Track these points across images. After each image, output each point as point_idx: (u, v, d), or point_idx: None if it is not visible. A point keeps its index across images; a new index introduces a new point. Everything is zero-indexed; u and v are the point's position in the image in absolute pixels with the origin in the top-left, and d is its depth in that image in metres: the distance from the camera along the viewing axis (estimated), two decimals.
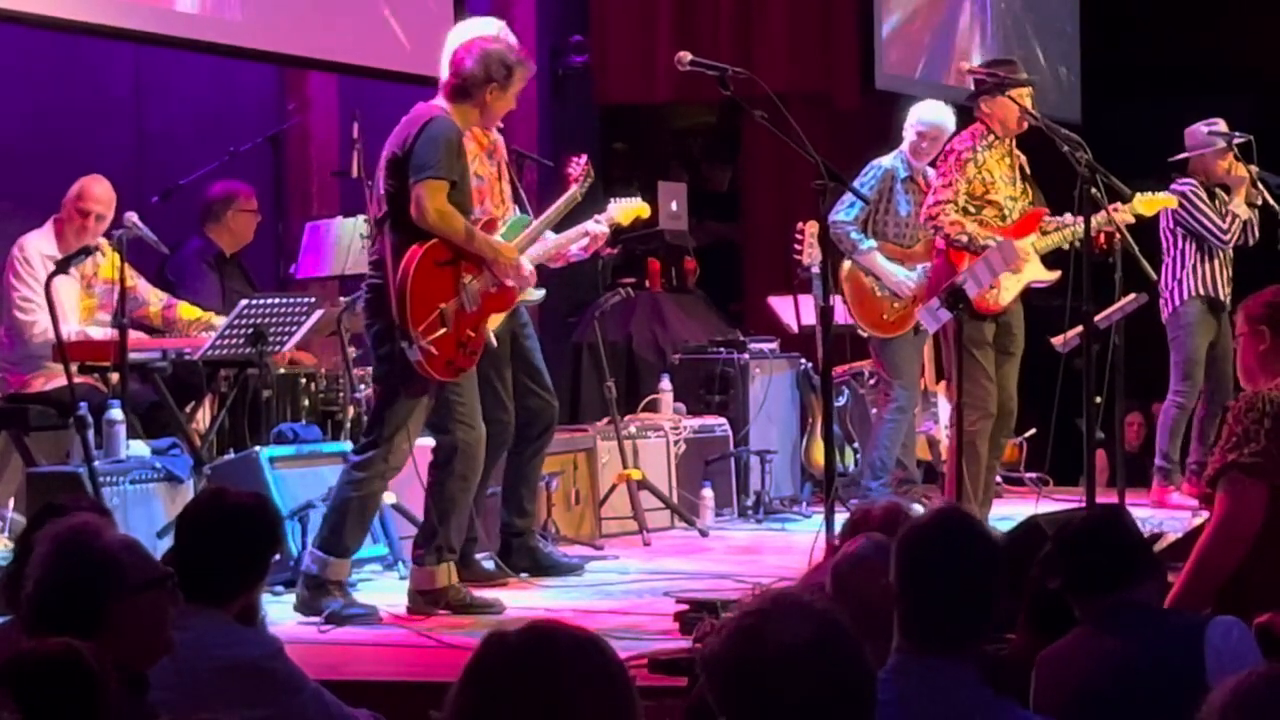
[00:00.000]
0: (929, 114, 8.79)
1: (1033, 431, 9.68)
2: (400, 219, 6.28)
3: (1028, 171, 8.08)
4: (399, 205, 6.28)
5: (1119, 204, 7.86)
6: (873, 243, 8.79)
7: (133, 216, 7.38)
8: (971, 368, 7.60)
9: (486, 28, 7.05)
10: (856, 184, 8.39)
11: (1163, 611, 3.86)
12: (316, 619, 6.17)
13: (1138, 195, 8.14)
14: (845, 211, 8.69)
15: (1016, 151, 8.07)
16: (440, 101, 6.49)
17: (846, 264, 8.82)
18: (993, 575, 3.28)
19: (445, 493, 6.47)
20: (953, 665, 3.19)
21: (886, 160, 8.89)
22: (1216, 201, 9.24)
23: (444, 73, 6.58)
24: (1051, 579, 3.82)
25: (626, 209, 7.51)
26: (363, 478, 6.32)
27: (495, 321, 7.04)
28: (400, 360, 6.22)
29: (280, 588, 6.52)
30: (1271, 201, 9.22)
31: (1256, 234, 9.27)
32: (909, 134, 8.85)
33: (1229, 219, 9.17)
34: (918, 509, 8.62)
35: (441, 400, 6.38)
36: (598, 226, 7.32)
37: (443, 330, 6.25)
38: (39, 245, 7.58)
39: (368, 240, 6.76)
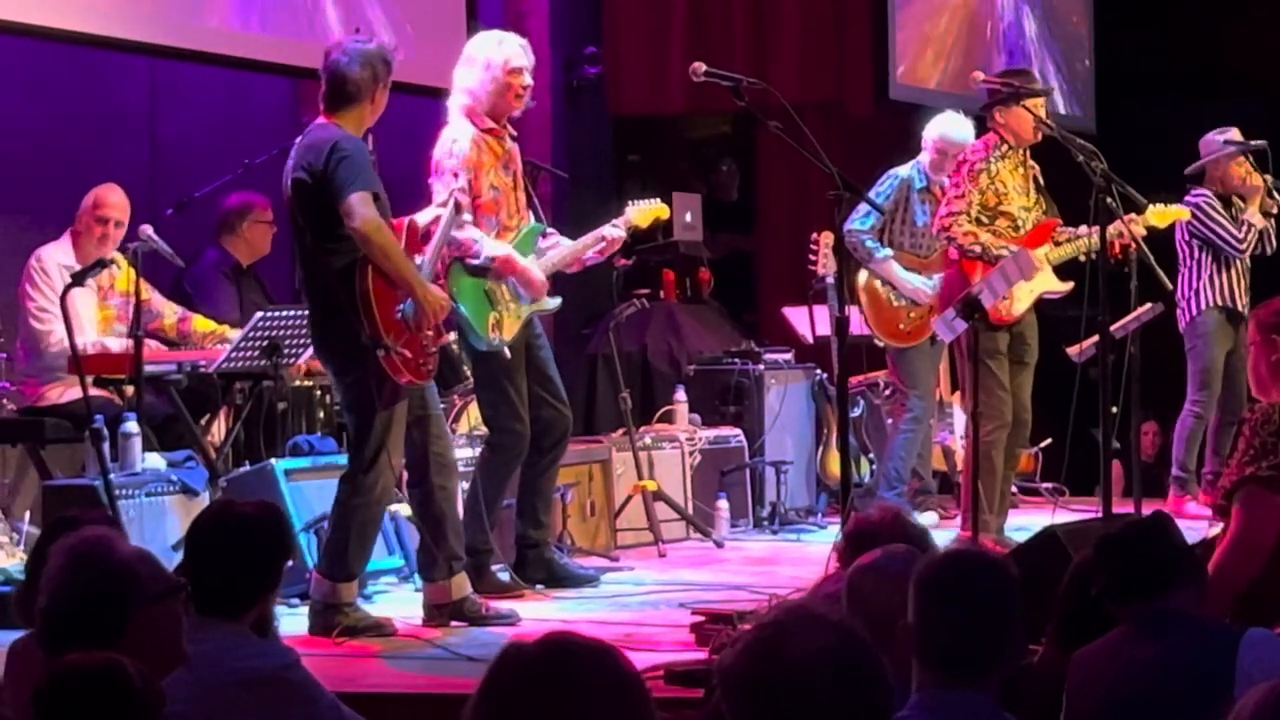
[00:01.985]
0: (951, 131, 8.74)
1: (1048, 442, 9.64)
2: (335, 243, 6.11)
3: (1041, 182, 8.06)
4: (328, 230, 6.09)
5: (1133, 215, 7.84)
6: (889, 251, 8.78)
7: (147, 229, 7.39)
8: (986, 378, 7.58)
9: (493, 41, 7.06)
10: (872, 194, 8.37)
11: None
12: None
13: (1150, 207, 8.12)
14: (861, 221, 8.69)
15: (1030, 162, 8.05)
16: (327, 117, 6.23)
17: (863, 274, 8.81)
18: (1010, 608, 3.26)
19: (431, 508, 6.41)
20: (973, 698, 3.18)
21: (903, 170, 8.88)
22: (1232, 210, 9.22)
23: (325, 84, 6.23)
24: (1093, 582, 3.80)
25: (644, 211, 7.50)
26: (358, 503, 6.24)
27: (512, 332, 7.03)
28: (372, 378, 6.09)
29: (296, 600, 6.50)
30: None
31: (1274, 243, 9.24)
32: (928, 148, 8.82)
33: (1244, 228, 9.14)
34: (931, 517, 8.72)
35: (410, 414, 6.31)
36: (615, 231, 7.30)
37: (408, 333, 6.18)
38: (56, 256, 7.60)
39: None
